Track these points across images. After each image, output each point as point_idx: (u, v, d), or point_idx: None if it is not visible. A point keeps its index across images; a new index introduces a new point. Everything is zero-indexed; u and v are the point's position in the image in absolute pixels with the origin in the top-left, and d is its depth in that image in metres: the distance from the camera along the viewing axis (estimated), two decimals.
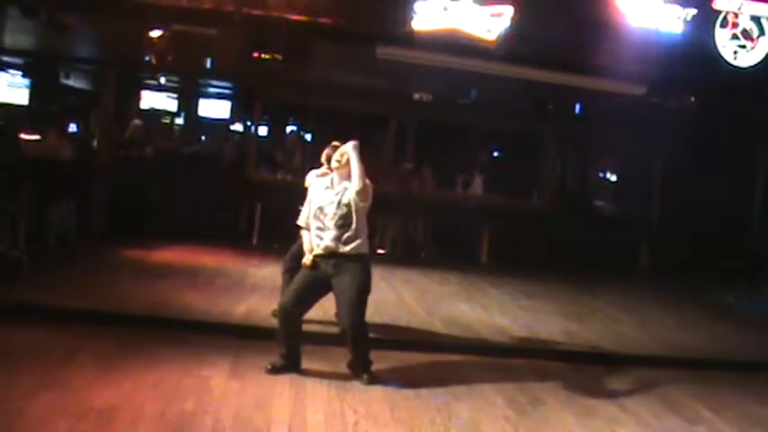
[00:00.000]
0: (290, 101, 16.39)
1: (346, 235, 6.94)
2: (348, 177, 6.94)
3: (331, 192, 7.01)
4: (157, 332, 7.78)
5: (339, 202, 6.94)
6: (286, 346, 6.97)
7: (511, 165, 17.85)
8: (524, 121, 16.38)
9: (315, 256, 7.06)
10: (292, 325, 7.01)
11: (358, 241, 6.97)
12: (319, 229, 7.06)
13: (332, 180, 7.05)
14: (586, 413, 6.80)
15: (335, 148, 7.23)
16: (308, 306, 7.12)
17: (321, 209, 7.04)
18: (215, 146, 17.30)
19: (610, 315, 11.08)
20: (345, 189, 6.94)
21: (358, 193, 6.86)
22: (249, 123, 18.72)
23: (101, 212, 13.13)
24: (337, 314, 7.69)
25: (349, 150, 6.94)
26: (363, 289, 6.98)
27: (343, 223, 6.94)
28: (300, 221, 7.33)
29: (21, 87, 18.89)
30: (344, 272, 6.94)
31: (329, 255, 6.98)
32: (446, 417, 6.26)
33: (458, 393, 6.93)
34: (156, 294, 9.26)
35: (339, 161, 6.99)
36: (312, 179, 7.53)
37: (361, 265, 7.01)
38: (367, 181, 6.95)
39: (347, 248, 6.94)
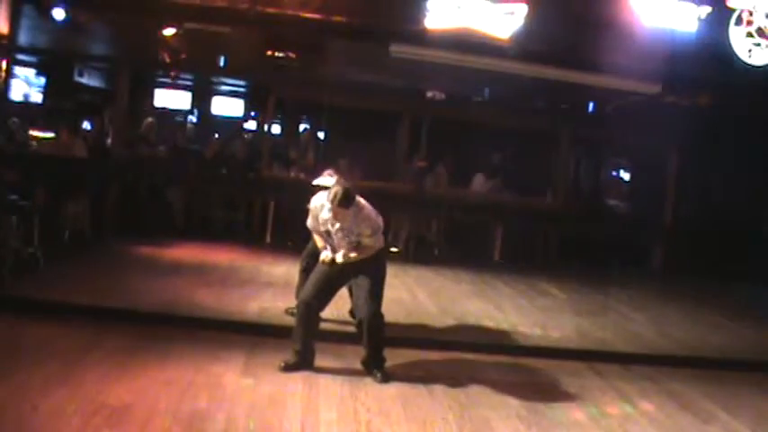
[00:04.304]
0: (303, 99, 16.37)
1: (359, 248, 7.04)
2: (348, 218, 6.90)
3: (335, 223, 7.00)
4: (170, 329, 7.79)
5: (348, 235, 7.00)
6: (302, 342, 6.98)
7: (523, 163, 17.78)
8: (538, 119, 16.35)
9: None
10: (311, 320, 7.05)
11: (370, 245, 7.06)
12: (333, 249, 7.16)
13: (332, 213, 6.92)
14: (599, 412, 6.79)
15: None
16: (329, 299, 7.19)
17: (329, 233, 7.13)
18: (229, 144, 17.28)
19: (623, 314, 11.04)
20: (354, 223, 6.93)
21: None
22: (262, 121, 18.75)
23: (114, 210, 13.16)
24: (351, 312, 7.74)
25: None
26: (380, 278, 7.09)
27: (355, 247, 7.04)
28: (309, 226, 7.38)
29: (35, 85, 18.95)
30: (361, 265, 7.03)
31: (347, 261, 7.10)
32: (459, 415, 6.26)
33: (471, 392, 6.92)
34: (168, 292, 9.27)
35: (334, 209, 6.85)
36: (316, 202, 7.39)
37: (377, 257, 7.11)
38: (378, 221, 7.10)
39: (363, 255, 7.04)
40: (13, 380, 5.89)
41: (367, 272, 7.00)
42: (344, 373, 6.98)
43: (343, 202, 6.75)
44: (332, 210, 6.85)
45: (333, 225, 7.01)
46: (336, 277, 7.13)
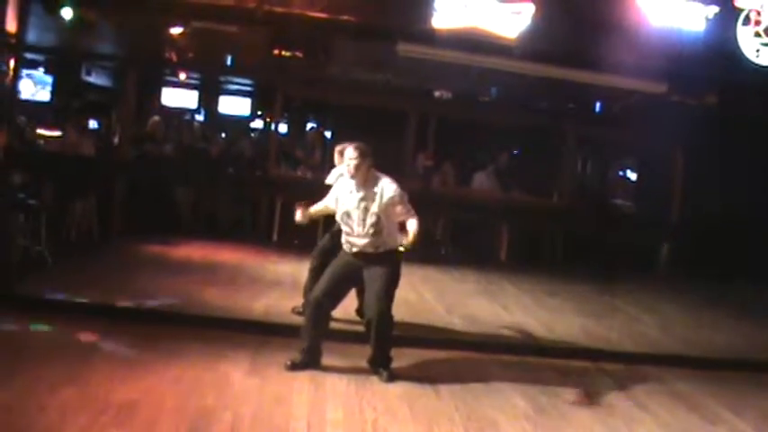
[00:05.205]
0: (310, 98, 16.40)
1: (378, 240, 6.94)
2: (366, 182, 6.94)
3: (355, 196, 6.99)
4: (177, 328, 7.80)
5: (366, 210, 6.91)
6: (309, 340, 6.96)
7: (530, 163, 17.76)
8: (544, 119, 16.33)
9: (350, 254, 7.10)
10: (321, 319, 7.02)
11: (387, 242, 6.97)
12: (348, 234, 7.07)
13: (354, 184, 7.01)
14: (605, 412, 6.78)
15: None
16: (340, 298, 7.15)
17: (348, 214, 7.02)
18: (236, 143, 17.31)
19: (629, 314, 11.03)
20: (373, 195, 6.91)
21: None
22: (269, 120, 18.77)
23: (121, 208, 13.18)
24: (357, 311, 7.75)
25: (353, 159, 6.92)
26: (393, 280, 6.99)
27: (374, 231, 6.93)
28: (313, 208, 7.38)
29: (43, 84, 19.00)
30: (375, 264, 6.94)
31: (359, 253, 7.02)
32: (465, 415, 6.26)
33: (477, 391, 6.93)
34: (175, 290, 9.30)
35: (350, 169, 6.95)
36: (335, 178, 7.51)
37: (392, 258, 6.99)
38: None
39: (379, 251, 6.96)
40: (21, 379, 5.91)
41: (380, 271, 6.92)
42: (351, 372, 6.98)
43: (360, 150, 6.87)
44: (351, 164, 6.89)
45: (355, 193, 6.97)
46: (350, 275, 7.09)
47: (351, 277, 7.12)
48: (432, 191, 14.64)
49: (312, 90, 14.97)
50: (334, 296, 7.09)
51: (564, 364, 8.23)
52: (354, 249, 7.03)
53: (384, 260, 6.97)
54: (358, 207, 6.94)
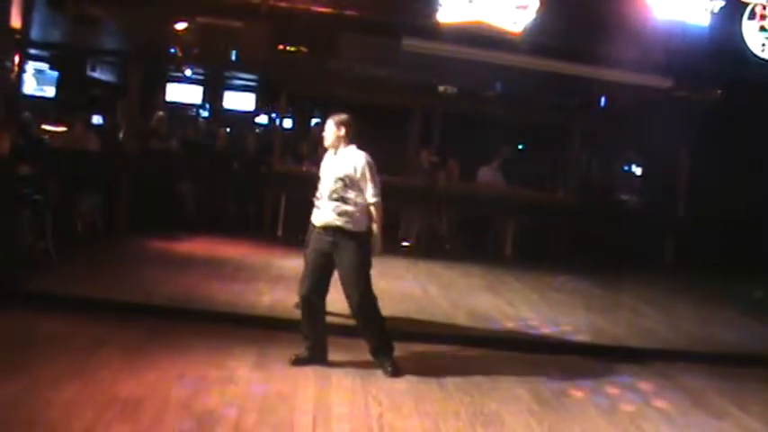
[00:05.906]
0: (315, 93, 16.38)
1: (341, 209, 6.90)
2: (340, 150, 7.05)
3: (329, 163, 7.09)
4: (182, 323, 7.81)
5: (334, 175, 6.96)
6: (310, 337, 6.98)
7: (535, 158, 17.73)
8: (549, 113, 16.30)
9: (314, 228, 7.11)
10: (315, 314, 7.01)
11: (353, 216, 6.92)
12: (318, 199, 7.09)
13: (331, 153, 7.13)
14: (611, 407, 6.78)
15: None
16: (325, 289, 7.06)
17: (320, 179, 7.11)
18: (240, 138, 17.31)
19: (635, 309, 11.02)
20: (343, 162, 6.98)
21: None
22: (274, 115, 18.77)
23: (127, 204, 13.19)
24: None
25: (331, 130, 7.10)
26: (362, 264, 6.94)
27: (338, 197, 6.91)
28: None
29: (48, 79, 19.03)
30: (342, 250, 6.90)
31: (325, 228, 6.97)
32: (470, 410, 6.26)
33: (482, 386, 6.91)
34: (181, 285, 9.30)
35: (325, 137, 7.14)
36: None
37: (358, 242, 6.93)
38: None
39: (341, 223, 6.89)
40: (27, 374, 5.91)
41: (348, 256, 6.87)
42: (356, 367, 6.97)
43: (335, 120, 7.05)
44: (326, 133, 7.09)
45: (330, 160, 7.07)
46: (325, 263, 7.00)
47: (327, 262, 7.00)
48: (437, 187, 14.61)
49: (317, 85, 14.94)
50: (320, 288, 7.02)
51: (569, 359, 8.23)
52: (320, 219, 7.01)
53: (350, 243, 6.89)
54: (329, 172, 7.02)
